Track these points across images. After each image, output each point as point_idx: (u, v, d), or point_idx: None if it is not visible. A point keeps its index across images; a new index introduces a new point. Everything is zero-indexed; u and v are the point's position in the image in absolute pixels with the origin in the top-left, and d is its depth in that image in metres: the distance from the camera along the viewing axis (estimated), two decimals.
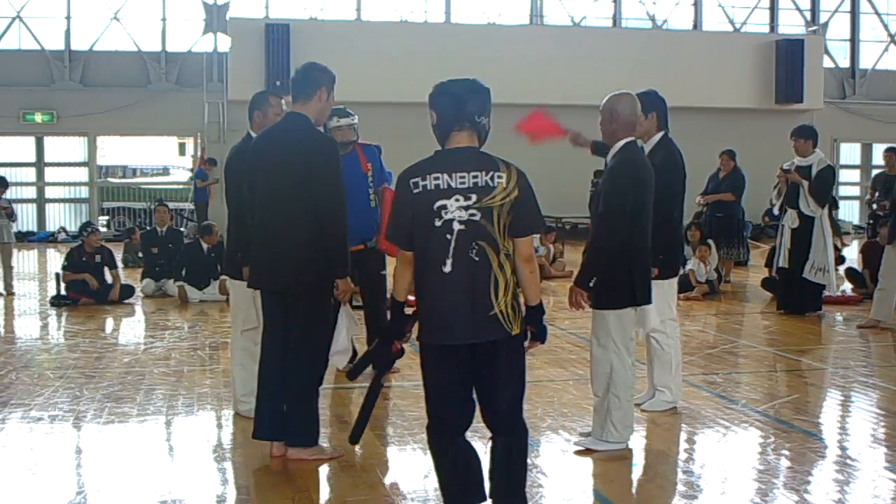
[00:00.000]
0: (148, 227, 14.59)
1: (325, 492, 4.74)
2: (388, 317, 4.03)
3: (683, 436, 5.71)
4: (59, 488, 4.69)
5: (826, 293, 10.25)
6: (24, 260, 17.55)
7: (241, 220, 5.42)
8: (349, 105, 7.02)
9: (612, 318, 5.13)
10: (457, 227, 3.63)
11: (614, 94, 5.27)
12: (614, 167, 5.09)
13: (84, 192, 23.38)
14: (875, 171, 18.09)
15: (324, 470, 4.94)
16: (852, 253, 14.79)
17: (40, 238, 21.96)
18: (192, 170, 22.65)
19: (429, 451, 3.95)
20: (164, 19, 22.84)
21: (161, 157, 27.33)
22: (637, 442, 5.39)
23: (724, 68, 22.59)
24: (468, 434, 3.90)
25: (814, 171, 9.59)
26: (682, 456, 5.41)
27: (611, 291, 5.08)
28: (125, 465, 5.03)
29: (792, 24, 25.40)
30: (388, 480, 4.83)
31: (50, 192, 23.28)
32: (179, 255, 11.87)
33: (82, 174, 23.25)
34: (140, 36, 22.75)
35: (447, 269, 3.64)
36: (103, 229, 20.26)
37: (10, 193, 13.08)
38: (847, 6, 25.72)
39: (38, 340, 9.49)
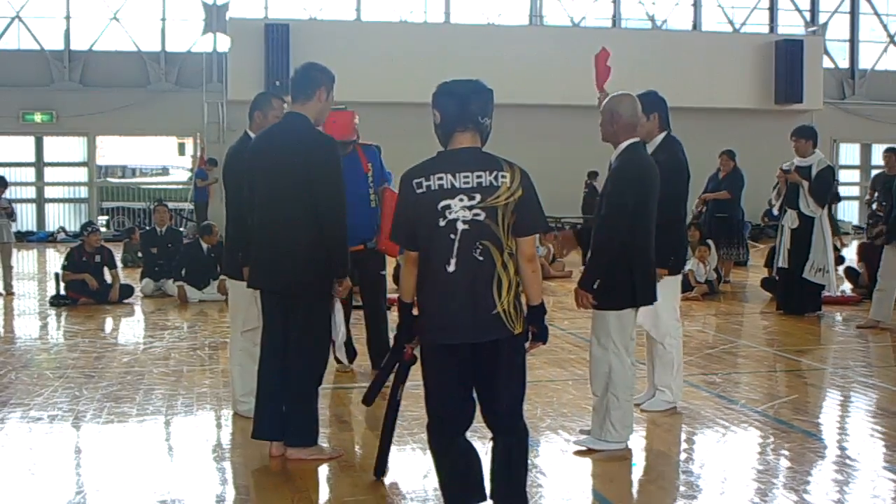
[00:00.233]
0: (147, 227, 14.58)
1: (324, 492, 4.74)
2: (396, 320, 4.04)
3: (683, 436, 5.71)
4: (58, 488, 4.68)
5: (826, 293, 10.25)
6: (24, 260, 17.55)
7: (240, 220, 5.41)
8: (348, 105, 7.02)
9: (612, 319, 5.13)
10: (461, 226, 3.64)
11: (614, 95, 5.27)
12: (617, 168, 5.09)
13: (83, 192, 23.40)
14: (874, 172, 18.11)
15: (323, 470, 4.94)
16: (850, 253, 14.79)
17: (40, 238, 21.97)
18: (191, 170, 22.65)
19: (429, 451, 3.96)
20: (163, 19, 22.86)
21: (160, 157, 27.34)
22: (637, 442, 5.39)
23: (724, 69, 22.62)
24: (468, 434, 3.90)
25: (813, 172, 9.59)
26: (682, 456, 5.40)
27: (611, 292, 5.08)
28: (125, 465, 5.03)
29: (791, 25, 25.42)
30: (387, 480, 4.83)
31: (49, 192, 23.30)
32: (179, 255, 11.86)
33: (82, 174, 23.27)
34: (140, 36, 22.77)
35: (451, 268, 3.65)
36: (103, 229, 20.26)
37: (10, 193, 13.08)
38: (846, 7, 25.74)
39: (37, 340, 9.49)
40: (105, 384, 6.86)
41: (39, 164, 23.02)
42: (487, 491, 3.89)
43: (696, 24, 24.99)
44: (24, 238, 20.88)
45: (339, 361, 6.98)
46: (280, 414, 4.97)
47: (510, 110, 22.10)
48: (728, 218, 12.75)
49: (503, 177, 3.67)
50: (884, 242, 9.42)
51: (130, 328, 10.19)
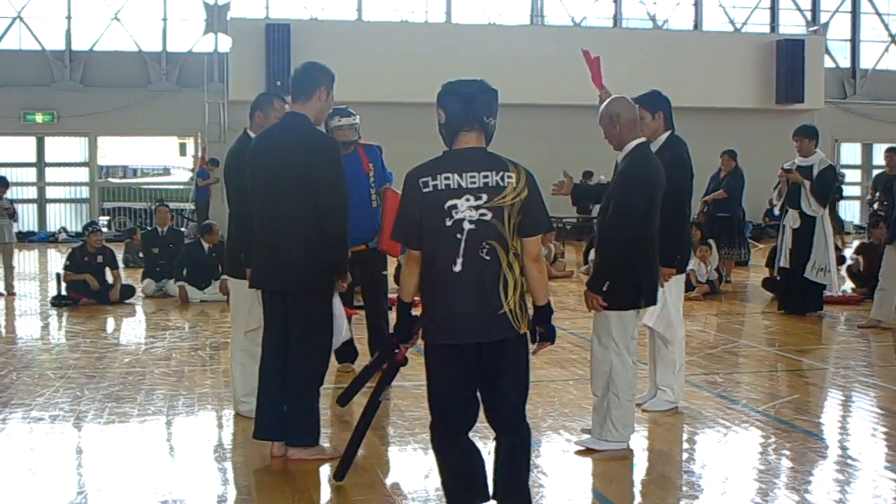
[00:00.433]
0: (149, 228, 14.59)
1: (325, 492, 4.74)
2: (395, 320, 4.04)
3: (684, 436, 5.71)
4: (59, 488, 4.69)
5: (827, 293, 10.25)
6: (25, 260, 17.55)
7: (242, 220, 5.41)
8: (350, 105, 7.02)
9: (614, 318, 5.13)
10: (467, 226, 3.64)
11: (606, 101, 5.30)
12: (625, 170, 5.08)
13: (85, 192, 23.40)
14: (876, 172, 18.11)
15: (324, 470, 4.94)
16: (849, 253, 14.78)
17: (41, 238, 21.97)
18: (192, 170, 22.66)
19: (431, 451, 3.95)
20: (164, 19, 22.86)
21: (161, 158, 27.33)
22: (638, 442, 5.39)
23: (725, 68, 22.61)
24: (470, 434, 3.90)
25: (815, 172, 9.59)
26: (683, 456, 5.41)
27: (616, 292, 5.07)
28: (126, 465, 5.03)
29: (792, 24, 25.41)
30: (388, 480, 4.83)
31: (50, 193, 23.30)
32: (180, 255, 11.87)
33: (83, 174, 23.27)
34: (140, 36, 22.77)
35: (457, 268, 3.65)
36: (104, 229, 20.27)
37: (11, 193, 13.08)
38: (847, 6, 25.73)
39: (38, 340, 9.49)
40: (106, 384, 6.86)
41: (40, 165, 23.02)
42: (490, 491, 3.89)
43: (697, 24, 24.98)
44: (26, 238, 20.88)
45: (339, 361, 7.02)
46: (281, 414, 4.97)
47: (510, 110, 22.00)
48: (729, 218, 12.75)
49: (509, 177, 3.67)
50: (879, 242, 9.42)
51: (132, 328, 10.19)
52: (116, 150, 26.21)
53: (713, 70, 22.29)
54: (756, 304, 11.26)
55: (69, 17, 22.54)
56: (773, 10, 25.37)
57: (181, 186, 24.25)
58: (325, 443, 5.21)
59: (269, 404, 4.99)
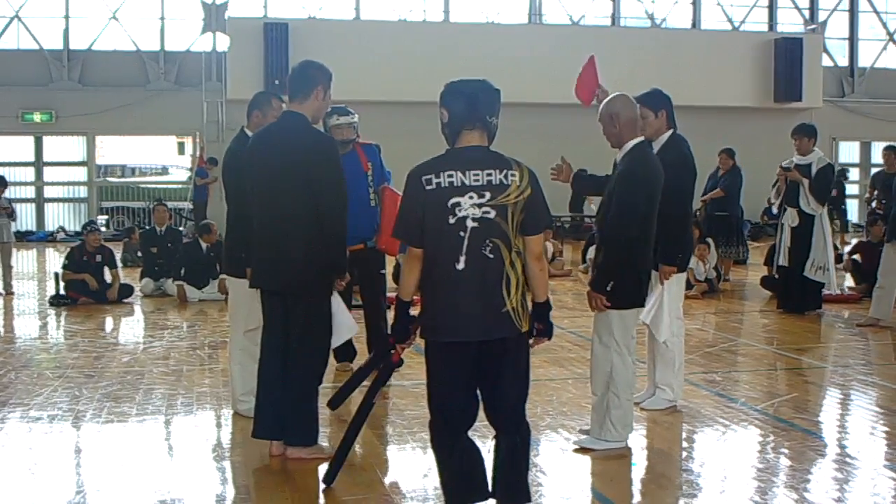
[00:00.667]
0: (147, 227, 14.58)
1: (324, 491, 4.73)
2: (392, 319, 4.03)
3: (683, 434, 5.71)
4: (58, 488, 4.68)
5: (826, 291, 10.26)
6: (23, 259, 17.54)
7: (241, 220, 5.39)
8: (348, 104, 7.01)
9: (615, 317, 5.12)
10: (470, 224, 3.64)
11: (607, 99, 5.30)
12: (625, 168, 5.07)
13: (83, 191, 23.39)
14: (874, 170, 18.12)
15: (323, 469, 4.92)
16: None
17: (39, 238, 21.96)
18: (191, 169, 22.65)
19: (431, 450, 3.95)
20: (162, 19, 22.84)
21: (160, 157, 27.34)
22: (637, 441, 5.39)
23: (723, 67, 22.61)
24: (469, 432, 3.90)
25: (814, 170, 9.59)
26: (682, 455, 5.41)
27: (619, 291, 5.06)
28: (125, 464, 5.02)
29: (791, 23, 25.41)
30: (387, 479, 4.83)
31: (49, 192, 23.28)
32: (178, 254, 11.86)
33: (81, 174, 23.26)
34: (139, 35, 22.75)
35: (460, 266, 3.65)
36: (102, 229, 20.25)
37: (9, 193, 13.07)
38: (846, 5, 25.73)
39: (37, 340, 9.49)
40: (105, 384, 6.86)
41: (39, 164, 23.01)
42: (489, 490, 3.89)
43: (696, 23, 24.98)
44: (24, 238, 20.86)
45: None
46: (281, 414, 4.97)
47: (508, 109, 21.91)
48: (727, 216, 12.75)
49: (513, 175, 3.68)
50: (877, 240, 9.43)
51: (130, 328, 10.18)
52: (115, 150, 26.21)
53: (711, 69, 22.28)
54: (754, 302, 11.27)
55: (67, 17, 22.52)
56: (772, 8, 25.37)
57: (179, 186, 24.25)
58: (323, 442, 5.21)
59: (268, 403, 4.99)
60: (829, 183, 9.89)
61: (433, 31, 22.69)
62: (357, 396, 6.47)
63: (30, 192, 22.93)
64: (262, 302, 5.09)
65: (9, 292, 12.14)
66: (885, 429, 5.82)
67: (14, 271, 12.83)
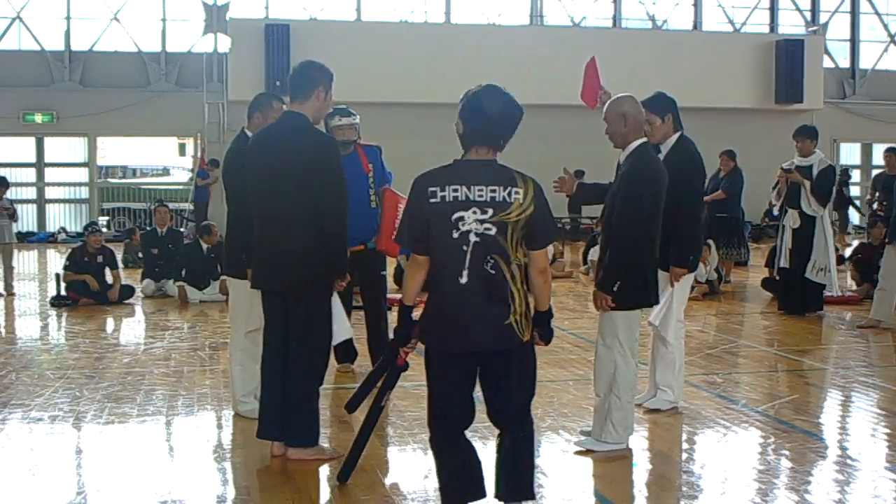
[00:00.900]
0: (148, 228, 14.58)
1: (325, 492, 4.74)
2: (395, 323, 4.03)
3: (684, 436, 5.71)
4: (59, 488, 4.68)
5: (827, 293, 10.26)
6: (25, 260, 17.55)
7: (242, 220, 5.39)
8: (349, 105, 7.02)
9: (619, 319, 5.12)
10: (472, 238, 3.64)
11: (615, 98, 5.28)
12: (630, 169, 5.06)
13: (84, 192, 23.40)
14: (875, 172, 18.12)
15: (324, 470, 4.94)
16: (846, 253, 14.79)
17: (40, 238, 21.98)
18: (192, 170, 22.67)
19: (431, 451, 3.95)
20: (163, 20, 22.87)
21: (161, 158, 27.33)
22: (637, 442, 5.39)
23: (724, 68, 22.62)
24: (468, 434, 3.90)
25: (815, 171, 9.59)
26: (683, 456, 5.41)
27: (623, 292, 5.05)
28: (125, 465, 5.03)
29: (792, 25, 25.43)
30: (388, 481, 4.83)
31: (50, 193, 23.30)
32: (179, 255, 11.87)
33: (82, 175, 23.28)
34: (140, 36, 22.77)
35: (463, 280, 3.65)
36: (103, 230, 20.25)
37: (11, 194, 13.08)
38: (847, 6, 25.74)
39: (38, 341, 9.49)
40: (106, 385, 6.86)
41: (40, 165, 23.03)
42: (487, 490, 3.90)
43: (697, 24, 24.99)
44: (25, 239, 20.88)
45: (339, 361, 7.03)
46: (284, 414, 4.97)
47: None
48: (728, 218, 12.74)
49: (516, 193, 3.66)
50: (878, 242, 9.43)
51: (131, 329, 10.19)
52: (116, 151, 26.21)
53: (712, 70, 22.30)
54: (755, 304, 11.26)
55: (68, 18, 22.55)
56: (773, 10, 25.39)
57: (180, 187, 24.25)
58: (324, 443, 5.21)
59: (272, 404, 4.98)
60: (830, 184, 9.89)
61: (434, 33, 22.70)
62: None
63: (31, 192, 22.95)
64: (263, 302, 5.08)
65: (10, 293, 12.15)
66: (886, 430, 5.82)
67: (15, 272, 12.84)
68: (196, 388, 6.76)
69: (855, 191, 25.40)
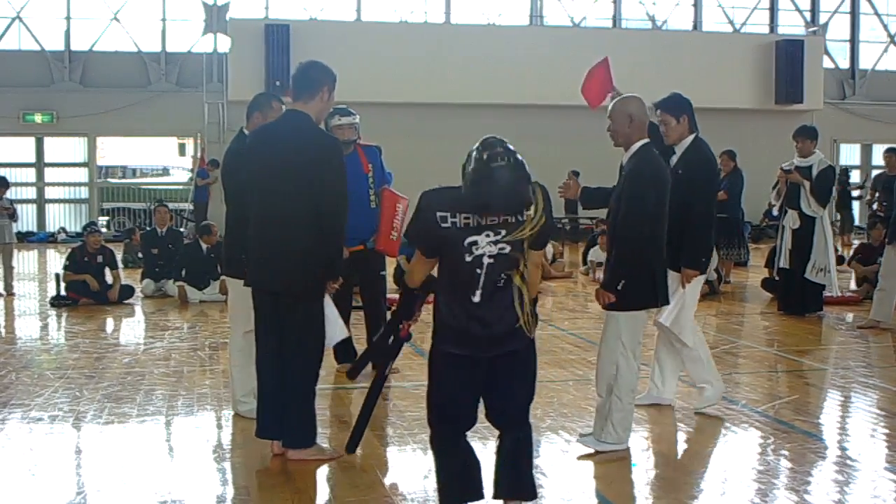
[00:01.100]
0: (148, 228, 14.59)
1: (324, 492, 4.74)
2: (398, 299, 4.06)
3: (684, 436, 5.72)
4: (59, 488, 4.68)
5: (826, 294, 10.26)
6: (24, 260, 17.55)
7: (241, 220, 5.37)
8: (349, 105, 7.02)
9: (623, 320, 5.10)
10: (486, 261, 3.65)
11: (622, 98, 5.26)
12: (634, 170, 5.04)
13: (84, 192, 23.41)
14: (875, 172, 18.13)
15: (323, 470, 4.94)
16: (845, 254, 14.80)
17: (40, 238, 21.98)
18: (191, 170, 22.67)
19: (431, 452, 3.95)
20: (163, 20, 22.87)
21: (161, 158, 27.31)
22: (637, 442, 5.39)
23: (724, 69, 22.62)
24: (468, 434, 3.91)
25: (814, 172, 9.59)
26: (683, 456, 5.41)
27: (630, 292, 5.03)
28: (125, 465, 5.03)
29: (792, 25, 25.43)
30: (387, 481, 4.83)
31: (50, 193, 23.30)
32: (179, 255, 11.87)
33: (82, 175, 23.28)
34: (140, 36, 22.78)
35: (476, 299, 3.67)
36: (103, 230, 20.25)
37: (11, 194, 13.08)
38: (847, 7, 25.75)
39: (37, 341, 9.49)
40: (105, 385, 6.86)
41: (40, 165, 23.03)
42: (488, 491, 3.90)
43: (697, 25, 25.00)
44: (25, 238, 20.89)
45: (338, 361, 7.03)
46: (282, 413, 4.97)
47: (510, 110, 22.14)
48: (728, 218, 12.73)
49: (527, 210, 3.66)
50: (878, 243, 9.43)
51: (131, 329, 10.19)
52: (116, 151, 26.20)
53: (712, 70, 22.30)
54: (755, 304, 11.27)
55: (68, 18, 22.55)
56: (773, 10, 25.40)
57: (180, 187, 24.25)
58: (323, 443, 5.21)
59: (270, 403, 4.98)
60: (830, 185, 9.90)
61: (434, 33, 22.70)
62: (358, 398, 6.48)
63: (31, 192, 22.95)
64: (256, 303, 5.04)
65: (10, 293, 12.15)
66: (886, 431, 5.82)
67: (15, 272, 12.84)
68: (196, 388, 6.76)
69: (854, 191, 25.41)
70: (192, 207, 20.91)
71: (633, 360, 5.14)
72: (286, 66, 19.88)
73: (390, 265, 7.53)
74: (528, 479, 3.92)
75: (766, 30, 25.26)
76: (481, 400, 3.87)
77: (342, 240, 4.94)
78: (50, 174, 23.19)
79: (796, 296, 10.04)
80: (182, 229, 16.80)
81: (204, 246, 11.71)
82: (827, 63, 24.91)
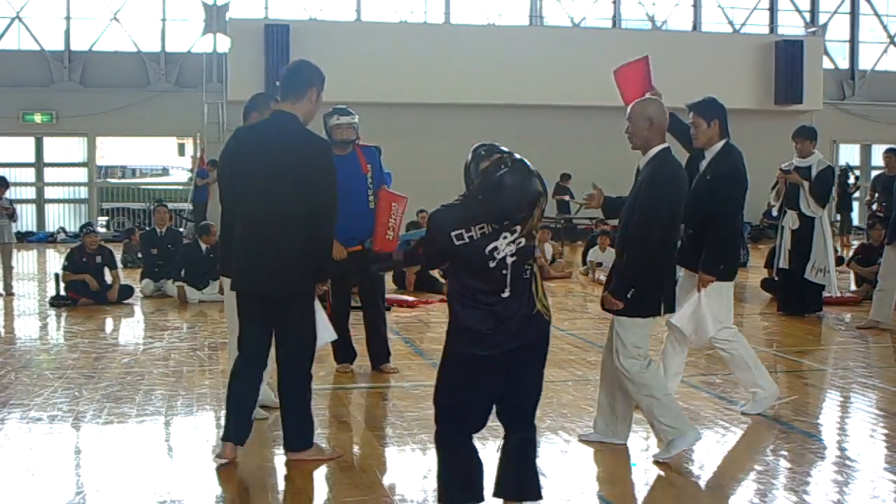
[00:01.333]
0: (147, 228, 14.59)
1: (323, 492, 4.74)
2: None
3: None
4: (58, 488, 4.68)
5: (826, 294, 10.26)
6: (24, 260, 17.55)
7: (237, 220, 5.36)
8: (348, 105, 7.02)
9: (627, 323, 5.04)
10: (510, 260, 3.69)
11: (642, 100, 5.18)
12: (651, 174, 4.94)
13: (83, 192, 23.41)
14: (875, 173, 18.12)
15: (322, 470, 4.93)
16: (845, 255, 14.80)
17: (39, 238, 21.99)
18: (191, 170, 22.67)
19: (431, 451, 3.95)
20: (163, 20, 22.88)
21: (160, 158, 27.33)
22: (637, 442, 5.39)
23: (724, 69, 22.62)
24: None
25: (814, 172, 9.59)
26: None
27: (637, 300, 4.97)
28: (124, 465, 5.02)
29: (791, 25, 25.45)
30: (386, 481, 4.82)
31: (49, 193, 23.31)
32: (178, 255, 11.87)
33: (82, 174, 23.29)
34: (139, 36, 22.79)
35: (506, 294, 3.72)
36: (102, 230, 20.27)
37: (10, 194, 13.08)
38: (846, 7, 25.77)
39: (37, 341, 9.49)
40: (105, 385, 6.86)
41: (39, 165, 23.04)
42: (491, 491, 3.91)
43: (696, 25, 25.01)
44: (24, 238, 20.89)
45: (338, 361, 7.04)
46: (248, 419, 4.95)
47: (510, 110, 22.15)
48: None
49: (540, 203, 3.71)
50: (878, 244, 9.43)
51: (130, 329, 10.19)
52: (115, 151, 26.21)
53: (712, 71, 22.29)
54: (755, 304, 11.27)
55: (68, 18, 22.56)
56: (772, 10, 25.41)
57: (180, 187, 24.27)
58: (323, 443, 5.21)
59: (238, 409, 4.94)
60: (829, 185, 9.90)
61: (434, 33, 22.71)
62: (357, 397, 6.48)
63: (30, 192, 22.96)
64: (240, 307, 4.98)
65: (9, 293, 12.15)
66: (885, 431, 5.82)
67: (14, 272, 12.83)
68: (195, 388, 6.76)
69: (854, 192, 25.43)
70: (191, 207, 20.91)
71: (636, 361, 5.02)
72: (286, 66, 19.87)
73: None
74: (536, 481, 3.93)
75: (765, 30, 25.27)
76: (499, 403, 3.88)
77: (332, 241, 4.92)
78: (49, 174, 23.20)
79: (796, 296, 10.04)
80: (181, 229, 16.82)
81: (203, 246, 11.71)
82: (826, 63, 24.92)
